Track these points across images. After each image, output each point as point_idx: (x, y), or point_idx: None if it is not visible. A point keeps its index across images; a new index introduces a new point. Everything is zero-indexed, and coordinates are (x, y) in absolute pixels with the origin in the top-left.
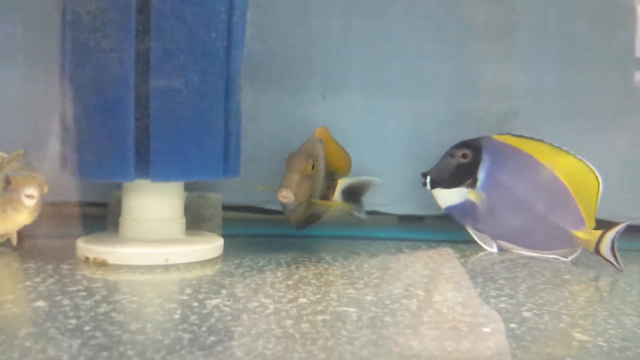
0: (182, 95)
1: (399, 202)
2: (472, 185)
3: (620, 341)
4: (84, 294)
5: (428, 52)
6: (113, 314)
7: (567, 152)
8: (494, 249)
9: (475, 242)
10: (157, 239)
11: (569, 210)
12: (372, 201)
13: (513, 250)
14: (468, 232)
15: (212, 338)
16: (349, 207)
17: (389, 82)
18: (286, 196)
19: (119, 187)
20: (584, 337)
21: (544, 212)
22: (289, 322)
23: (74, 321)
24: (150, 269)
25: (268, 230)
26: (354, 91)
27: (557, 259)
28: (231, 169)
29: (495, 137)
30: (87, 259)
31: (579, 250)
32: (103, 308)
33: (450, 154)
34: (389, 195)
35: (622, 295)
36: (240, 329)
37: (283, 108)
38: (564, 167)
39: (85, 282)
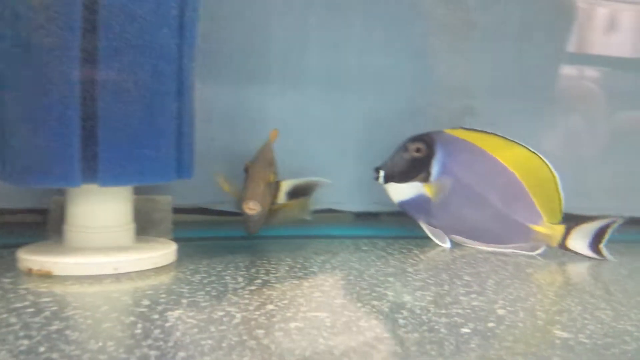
0: (132, 95)
1: (354, 199)
2: (426, 179)
3: (602, 337)
4: (31, 310)
5: (386, 48)
6: (68, 332)
7: (520, 145)
8: (447, 244)
9: (427, 239)
10: (105, 247)
11: (524, 204)
12: (327, 199)
13: (469, 245)
14: (420, 229)
15: (182, 354)
16: (303, 207)
17: (346, 78)
18: (253, 208)
19: (60, 191)
20: (564, 335)
21: (498, 206)
22: (260, 332)
23: (26, 342)
24: (99, 279)
25: (220, 233)
26: (311, 87)
27: (521, 253)
28: (185, 171)
29: (448, 131)
30: (30, 270)
31: (543, 246)
32: (56, 325)
33: (404, 147)
34: (344, 193)
35: (589, 288)
36: (209, 342)
37: (239, 104)
38: (516, 160)
39: (31, 297)
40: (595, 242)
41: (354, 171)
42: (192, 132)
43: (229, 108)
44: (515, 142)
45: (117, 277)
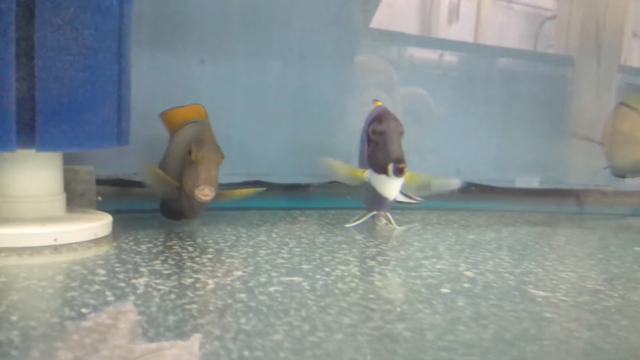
0: (72, 54)
1: (283, 171)
2: None
3: (579, 295)
4: None
5: (313, 18)
6: (33, 302)
7: None
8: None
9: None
10: (39, 218)
11: None
12: (256, 171)
13: None
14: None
15: (172, 318)
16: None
17: (273, 48)
18: (209, 194)
19: None
20: (542, 293)
21: None
22: (243, 296)
23: None
24: (37, 250)
25: (137, 205)
26: (235, 55)
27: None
28: (123, 137)
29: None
30: None
31: None
32: (15, 296)
33: (400, 131)
34: (272, 165)
35: (541, 252)
36: (194, 306)
37: (158, 71)
38: None
39: None
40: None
41: (282, 143)
42: (129, 96)
43: (151, 76)
44: None
45: (57, 248)
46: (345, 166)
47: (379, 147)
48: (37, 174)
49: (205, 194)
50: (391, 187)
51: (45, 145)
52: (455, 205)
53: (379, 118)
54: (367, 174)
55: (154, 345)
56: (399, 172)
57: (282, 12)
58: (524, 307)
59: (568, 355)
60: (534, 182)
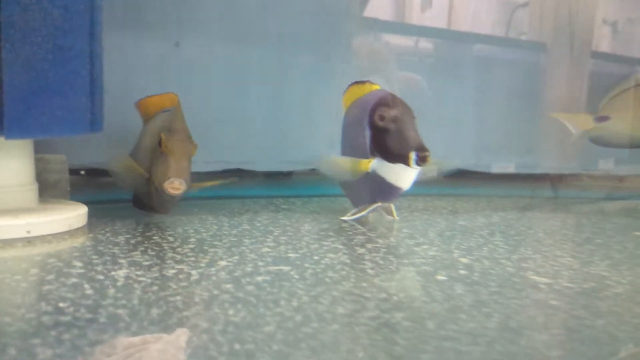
0: (41, 34)
1: (264, 159)
2: None
3: (584, 282)
4: None
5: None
6: (7, 295)
7: None
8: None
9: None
10: (10, 209)
11: None
12: (235, 159)
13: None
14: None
15: (156, 311)
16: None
17: (252, 30)
18: (179, 187)
19: None
20: (544, 280)
21: None
22: (229, 287)
23: None
24: (9, 242)
25: (113, 196)
26: (212, 38)
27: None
28: (97, 123)
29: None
30: None
31: None
32: None
33: (413, 115)
34: (253, 153)
35: (535, 237)
36: (178, 298)
37: (131, 54)
38: None
39: None
40: None
41: (263, 129)
42: (102, 79)
43: (124, 59)
44: None
45: (30, 240)
46: (346, 160)
47: (392, 134)
48: (7, 164)
49: (174, 187)
50: (408, 177)
51: (15, 132)
52: (437, 192)
53: (388, 103)
54: (375, 164)
55: (137, 339)
56: (422, 160)
57: None
58: (527, 294)
59: (583, 345)
60: (509, 167)
